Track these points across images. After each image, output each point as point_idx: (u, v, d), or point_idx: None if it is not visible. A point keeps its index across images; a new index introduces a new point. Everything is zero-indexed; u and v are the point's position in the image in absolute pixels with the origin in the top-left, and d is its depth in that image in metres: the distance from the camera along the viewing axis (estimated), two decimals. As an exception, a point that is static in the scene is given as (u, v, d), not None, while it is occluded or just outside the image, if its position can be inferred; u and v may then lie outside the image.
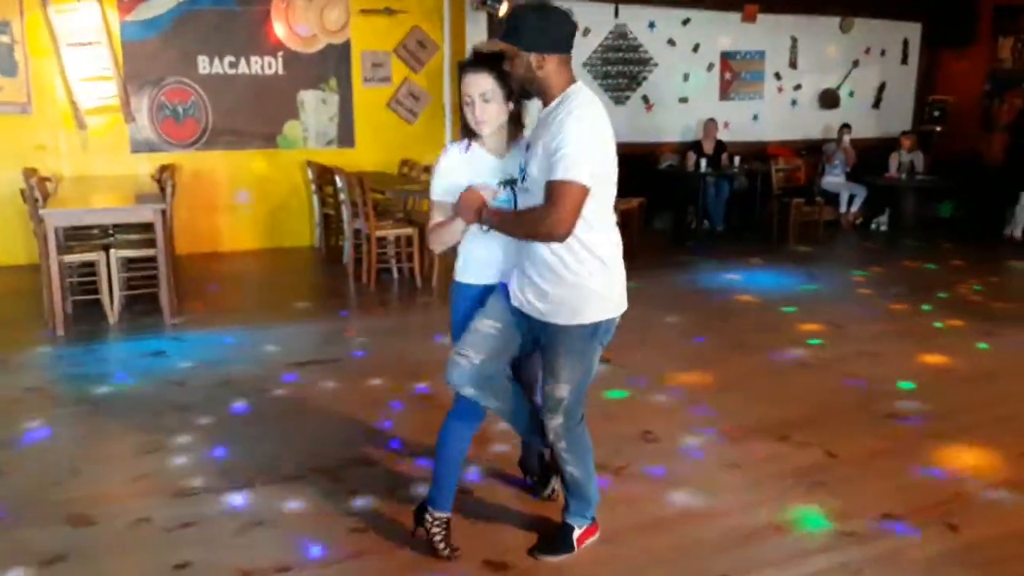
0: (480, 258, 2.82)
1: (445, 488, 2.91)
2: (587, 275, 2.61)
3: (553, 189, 2.48)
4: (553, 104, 2.59)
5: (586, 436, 2.91)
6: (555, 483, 3.28)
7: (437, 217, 2.82)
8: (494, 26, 8.74)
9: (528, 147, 2.64)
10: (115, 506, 3.29)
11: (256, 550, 2.98)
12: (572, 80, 2.61)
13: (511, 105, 2.71)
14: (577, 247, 2.58)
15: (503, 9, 8.46)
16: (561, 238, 2.52)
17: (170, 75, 8.15)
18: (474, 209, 2.65)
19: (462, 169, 2.76)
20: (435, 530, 2.91)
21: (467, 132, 2.78)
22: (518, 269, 2.73)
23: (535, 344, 2.85)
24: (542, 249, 2.61)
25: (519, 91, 2.67)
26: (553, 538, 2.99)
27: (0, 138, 7.64)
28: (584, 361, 2.74)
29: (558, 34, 2.55)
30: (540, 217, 2.52)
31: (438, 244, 2.85)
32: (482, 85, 2.64)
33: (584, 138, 2.48)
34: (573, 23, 2.59)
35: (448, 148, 2.86)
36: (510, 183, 2.72)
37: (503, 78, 2.64)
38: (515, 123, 2.77)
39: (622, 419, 4.17)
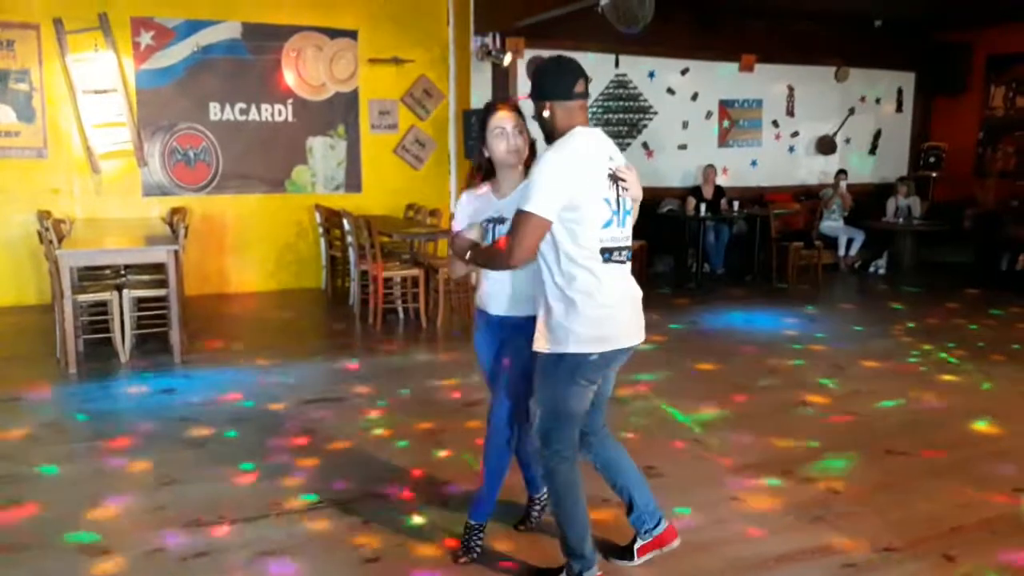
0: (487, 289, 3.06)
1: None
2: (554, 308, 2.71)
3: (514, 219, 2.68)
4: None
5: (570, 476, 2.83)
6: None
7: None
8: (498, 76, 8.99)
9: None
10: (129, 537, 3.35)
11: (269, 579, 3.04)
12: (580, 124, 2.77)
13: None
14: (548, 280, 2.73)
15: (507, 60, 8.73)
16: (511, 266, 2.72)
17: (182, 121, 8.38)
18: (464, 250, 2.95)
19: (469, 209, 3.08)
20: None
21: (486, 172, 3.03)
22: None
23: None
24: (531, 282, 2.84)
25: (545, 135, 2.87)
26: (547, 572, 3.03)
27: (16, 181, 7.84)
28: (553, 389, 2.77)
29: (555, 84, 2.76)
30: (497, 247, 2.77)
31: (452, 273, 3.23)
32: (515, 119, 2.93)
33: (550, 172, 2.63)
34: (571, 73, 2.77)
35: (464, 194, 3.14)
36: (496, 221, 2.94)
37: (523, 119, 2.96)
38: (526, 167, 2.95)
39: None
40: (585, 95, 2.79)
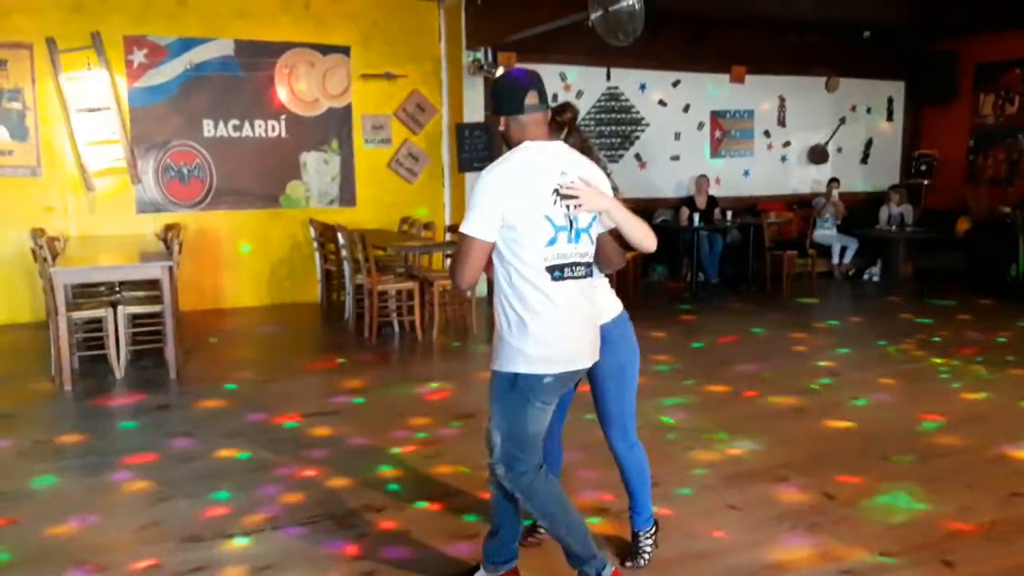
0: None
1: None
2: (504, 327, 2.68)
3: (458, 241, 2.69)
4: None
5: (547, 487, 2.78)
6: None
7: None
8: (490, 90, 9.03)
9: None
10: (125, 553, 3.34)
11: (266, 593, 3.03)
12: (532, 139, 2.68)
13: None
14: (500, 298, 2.69)
15: (499, 74, 8.77)
16: (460, 288, 2.72)
17: (176, 138, 8.39)
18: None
19: None
20: None
21: None
22: None
23: None
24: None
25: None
26: None
27: (10, 200, 7.83)
28: (508, 410, 2.71)
29: (506, 99, 2.69)
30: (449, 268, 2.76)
31: None
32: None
33: (481, 191, 2.60)
34: (521, 87, 2.67)
35: None
36: None
37: None
38: None
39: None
40: (539, 107, 2.68)
